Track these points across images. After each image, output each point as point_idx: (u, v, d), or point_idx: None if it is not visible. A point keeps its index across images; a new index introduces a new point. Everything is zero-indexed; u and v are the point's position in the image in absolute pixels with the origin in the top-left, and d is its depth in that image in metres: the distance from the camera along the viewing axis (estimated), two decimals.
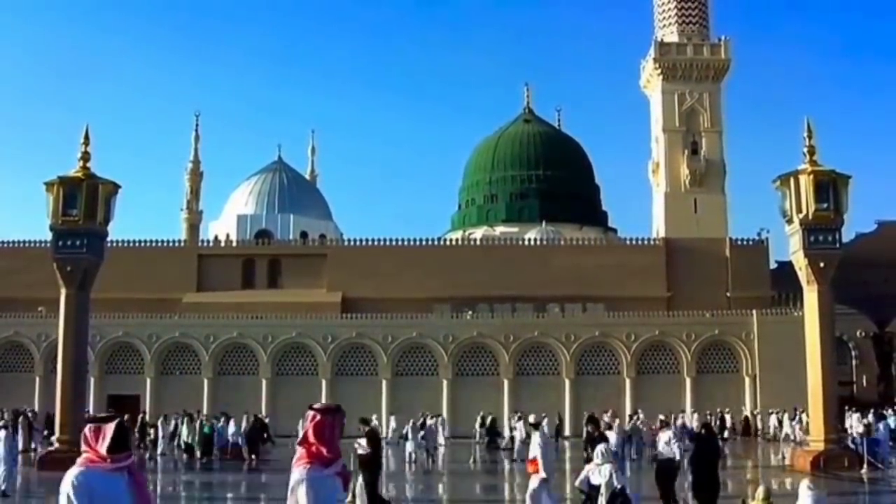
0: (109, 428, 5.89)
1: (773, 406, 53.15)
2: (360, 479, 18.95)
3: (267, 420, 44.40)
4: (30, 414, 42.73)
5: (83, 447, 5.95)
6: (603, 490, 15.82)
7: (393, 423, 49.63)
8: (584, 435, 21.63)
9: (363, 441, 19.25)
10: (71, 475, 5.80)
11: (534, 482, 17.26)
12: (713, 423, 46.78)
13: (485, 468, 36.37)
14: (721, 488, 19.52)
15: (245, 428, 38.12)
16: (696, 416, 49.54)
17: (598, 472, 16.11)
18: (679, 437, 22.83)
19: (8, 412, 43.76)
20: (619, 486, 15.70)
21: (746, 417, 55.36)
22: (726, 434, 49.75)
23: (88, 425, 5.97)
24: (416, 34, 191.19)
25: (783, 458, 38.39)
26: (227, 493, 28.90)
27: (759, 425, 54.92)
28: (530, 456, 17.88)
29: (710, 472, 18.69)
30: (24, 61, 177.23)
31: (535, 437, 18.16)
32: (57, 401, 30.90)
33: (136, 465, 6.09)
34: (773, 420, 52.35)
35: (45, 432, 42.30)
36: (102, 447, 5.84)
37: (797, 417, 50.14)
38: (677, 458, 20.43)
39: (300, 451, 6.36)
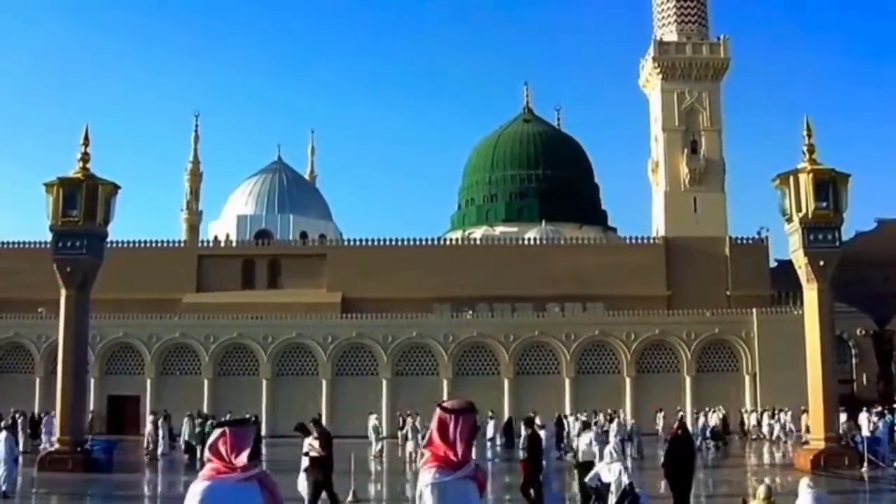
0: (248, 435, 5.36)
1: (770, 404, 53.05)
2: (306, 479, 18.76)
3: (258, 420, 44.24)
4: (19, 418, 42.75)
5: (208, 455, 5.41)
6: (613, 488, 15.98)
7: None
8: (522, 438, 20.84)
9: (315, 442, 19.11)
10: (197, 491, 5.25)
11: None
12: (708, 423, 47.04)
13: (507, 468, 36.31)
14: (692, 487, 18.90)
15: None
16: (715, 415, 49.38)
17: (608, 471, 16.25)
18: (600, 438, 22.48)
19: (7, 414, 43.82)
20: (627, 485, 15.79)
21: (724, 417, 53.88)
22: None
23: (220, 431, 5.40)
24: (416, 34, 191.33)
25: (764, 456, 38.57)
26: None
27: (746, 424, 54.40)
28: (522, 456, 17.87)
29: (685, 473, 18.10)
30: (23, 61, 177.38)
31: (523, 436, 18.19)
32: (57, 402, 30.90)
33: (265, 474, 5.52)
34: (752, 419, 52.02)
35: (29, 431, 42.43)
36: (241, 457, 5.28)
37: (776, 416, 50.25)
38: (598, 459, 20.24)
39: (427, 453, 5.81)
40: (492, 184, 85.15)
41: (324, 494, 18.90)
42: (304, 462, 19.19)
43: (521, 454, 16.53)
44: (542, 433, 18.83)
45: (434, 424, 5.72)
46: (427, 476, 5.63)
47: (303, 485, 18.94)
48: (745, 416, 54.40)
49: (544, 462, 19.06)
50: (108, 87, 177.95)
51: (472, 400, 5.92)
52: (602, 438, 25.05)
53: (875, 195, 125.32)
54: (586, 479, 17.94)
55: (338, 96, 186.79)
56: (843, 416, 39.92)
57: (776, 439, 48.61)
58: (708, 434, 44.86)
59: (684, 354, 58.56)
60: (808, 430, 45.79)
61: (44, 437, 40.03)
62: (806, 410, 47.75)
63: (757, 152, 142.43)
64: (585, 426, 22.81)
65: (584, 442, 20.79)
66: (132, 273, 62.22)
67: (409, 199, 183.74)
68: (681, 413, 45.92)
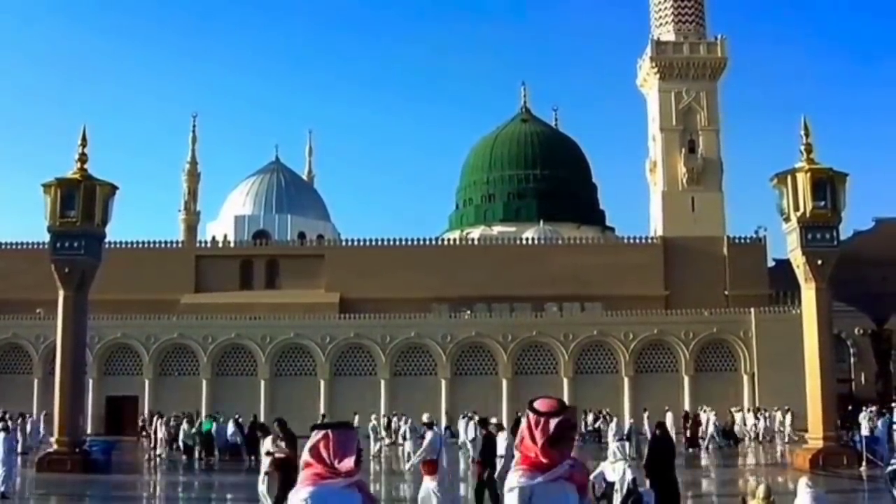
0: (352, 439, 5.13)
1: (769, 404, 53.02)
2: (267, 481, 18.41)
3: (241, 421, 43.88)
4: (18, 419, 42.85)
5: (308, 458, 5.12)
6: (618, 487, 16.03)
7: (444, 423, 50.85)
8: (477, 439, 19.88)
9: (282, 443, 18.88)
10: (303, 496, 4.99)
11: (428, 484, 16.29)
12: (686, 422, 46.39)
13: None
14: (680, 489, 18.44)
15: (233, 430, 38.02)
16: (749, 415, 48.96)
17: (613, 470, 16.31)
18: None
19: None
20: (630, 482, 15.83)
21: (697, 415, 52.63)
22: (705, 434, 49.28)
23: (321, 433, 5.14)
24: (413, 34, 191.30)
25: (760, 456, 38.62)
26: (227, 494, 28.94)
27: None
28: (428, 457, 17.35)
29: (666, 475, 17.69)
30: (21, 62, 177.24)
31: (428, 437, 17.87)
32: (55, 402, 30.88)
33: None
34: (738, 418, 51.10)
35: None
36: (346, 461, 5.04)
37: (763, 416, 50.29)
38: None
39: (516, 454, 5.48)
40: (490, 184, 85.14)
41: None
42: (265, 464, 18.75)
43: (476, 455, 16.46)
44: (502, 434, 18.65)
45: (524, 425, 5.44)
46: (513, 479, 5.36)
47: (263, 488, 18.49)
48: (733, 415, 53.67)
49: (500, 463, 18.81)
50: (106, 87, 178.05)
51: (563, 399, 5.63)
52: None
53: (873, 194, 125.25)
54: (591, 477, 17.95)
55: (335, 96, 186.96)
56: (862, 415, 40.12)
57: (763, 439, 48.57)
58: (718, 434, 44.68)
59: (682, 354, 58.60)
60: (792, 429, 46.19)
61: (19, 437, 40.07)
62: (790, 410, 48.40)
63: (755, 152, 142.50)
64: (499, 428, 21.50)
65: (502, 443, 19.83)
66: (130, 274, 62.19)
67: (406, 200, 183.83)
68: (668, 412, 46.09)
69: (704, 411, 47.30)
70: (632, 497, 15.77)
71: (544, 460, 5.27)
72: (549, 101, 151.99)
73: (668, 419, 43.35)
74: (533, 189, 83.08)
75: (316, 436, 5.11)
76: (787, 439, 46.31)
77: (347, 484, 5.05)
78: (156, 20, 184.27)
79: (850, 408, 46.20)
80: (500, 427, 20.18)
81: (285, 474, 18.27)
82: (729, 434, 46.00)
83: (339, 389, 57.46)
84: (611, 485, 16.57)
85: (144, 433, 50.32)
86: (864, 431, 35.56)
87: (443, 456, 17.60)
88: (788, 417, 48.26)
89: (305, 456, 5.13)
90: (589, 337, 59.09)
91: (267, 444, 19.03)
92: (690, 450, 41.09)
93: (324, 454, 5.06)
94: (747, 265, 67.36)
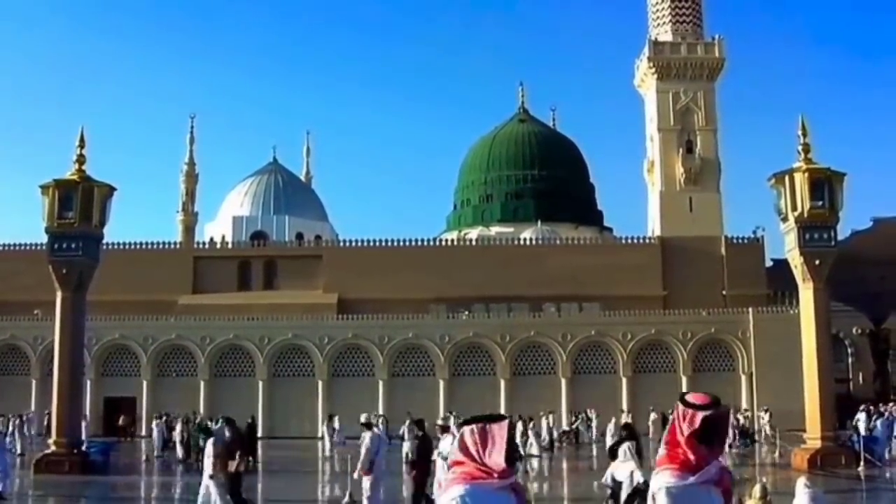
0: (500, 432, 4.67)
1: (767, 403, 52.96)
2: (213, 481, 18.19)
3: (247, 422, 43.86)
4: (16, 420, 42.89)
5: (458, 456, 4.74)
6: (625, 486, 16.14)
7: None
8: (411, 441, 18.74)
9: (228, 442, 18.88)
10: (453, 496, 4.59)
11: (363, 484, 17.31)
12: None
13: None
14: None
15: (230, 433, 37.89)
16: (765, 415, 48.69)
17: (621, 470, 16.47)
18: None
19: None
20: (639, 484, 15.94)
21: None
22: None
23: (469, 427, 4.74)
24: (411, 34, 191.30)
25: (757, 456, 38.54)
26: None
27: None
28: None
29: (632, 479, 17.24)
30: (19, 63, 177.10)
31: (365, 438, 17.89)
32: (53, 404, 30.86)
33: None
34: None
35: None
36: (497, 458, 4.61)
37: (740, 416, 50.43)
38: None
39: (661, 451, 5.15)
40: (487, 184, 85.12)
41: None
42: (208, 466, 18.46)
43: (410, 456, 16.45)
44: (447, 437, 18.45)
45: (672, 418, 5.11)
46: (661, 479, 5.04)
47: (206, 491, 18.23)
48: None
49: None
50: (104, 88, 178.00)
51: (716, 394, 5.14)
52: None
53: (871, 194, 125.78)
54: (603, 481, 18.07)
55: (333, 97, 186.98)
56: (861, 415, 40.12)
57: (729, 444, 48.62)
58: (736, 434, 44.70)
59: (680, 354, 58.62)
60: (770, 427, 46.36)
61: (17, 438, 40.13)
62: (768, 410, 48.69)
63: (752, 152, 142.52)
64: (443, 429, 20.27)
65: (445, 444, 18.76)
66: (128, 274, 62.15)
67: (404, 200, 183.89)
68: (628, 413, 46.11)
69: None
70: (637, 497, 15.78)
71: (691, 457, 4.95)
72: (546, 102, 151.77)
73: (650, 418, 43.34)
74: (531, 189, 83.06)
75: (466, 430, 4.74)
76: (765, 437, 46.41)
77: (503, 486, 4.63)
78: (154, 21, 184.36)
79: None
80: (444, 429, 19.92)
81: (233, 476, 18.14)
82: (745, 434, 45.95)
83: (337, 390, 57.41)
84: (619, 484, 16.81)
85: (128, 434, 50.73)
86: (863, 431, 35.57)
87: (381, 457, 17.75)
88: (766, 416, 48.41)
89: (456, 454, 4.75)
90: (587, 337, 59.09)
91: (209, 448, 18.67)
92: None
93: (471, 449, 4.66)
94: (745, 265, 67.38)
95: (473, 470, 4.63)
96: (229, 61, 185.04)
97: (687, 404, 5.00)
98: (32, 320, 56.42)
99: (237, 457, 18.45)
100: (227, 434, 19.55)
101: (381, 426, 30.65)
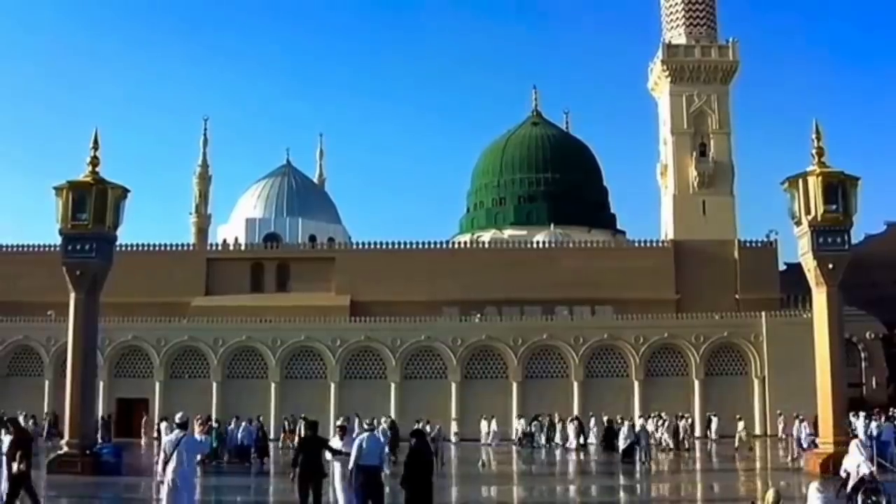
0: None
1: (780, 407, 52.73)
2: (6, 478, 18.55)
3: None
4: (30, 420, 43.13)
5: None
6: (852, 477, 18.89)
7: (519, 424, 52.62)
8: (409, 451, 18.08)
9: (6, 438, 18.86)
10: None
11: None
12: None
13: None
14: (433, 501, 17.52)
15: (242, 433, 38.08)
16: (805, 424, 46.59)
17: (850, 462, 19.22)
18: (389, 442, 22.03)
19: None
20: (864, 475, 18.67)
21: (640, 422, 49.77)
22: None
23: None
24: (425, 39, 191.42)
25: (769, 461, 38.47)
26: (237, 497, 29.02)
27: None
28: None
29: (423, 487, 16.96)
30: (33, 67, 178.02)
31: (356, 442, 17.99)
32: (66, 405, 30.99)
33: None
34: (682, 425, 47.81)
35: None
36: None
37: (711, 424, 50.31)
38: (385, 467, 20.69)
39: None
40: (500, 187, 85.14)
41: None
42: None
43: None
44: (335, 440, 18.74)
45: None
46: None
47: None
48: (679, 421, 47.98)
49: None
50: (118, 91, 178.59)
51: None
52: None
53: (885, 198, 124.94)
54: (840, 472, 20.26)
55: (346, 100, 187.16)
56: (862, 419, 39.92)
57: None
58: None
59: (693, 358, 58.47)
60: (747, 437, 46.36)
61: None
62: (740, 417, 48.56)
63: (766, 155, 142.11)
64: (370, 430, 19.82)
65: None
66: (141, 276, 62.40)
67: (417, 203, 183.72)
68: (651, 418, 45.86)
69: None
70: (864, 486, 18.49)
71: None
72: (560, 105, 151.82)
73: (649, 424, 42.95)
74: (544, 192, 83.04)
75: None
76: (736, 444, 46.06)
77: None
78: (168, 25, 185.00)
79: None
80: (342, 429, 19.84)
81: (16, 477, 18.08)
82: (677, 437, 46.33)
83: (349, 392, 57.46)
84: (849, 475, 19.23)
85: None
86: (861, 436, 35.37)
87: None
88: (741, 424, 48.19)
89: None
90: (599, 340, 59.00)
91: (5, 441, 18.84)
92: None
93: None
94: (758, 269, 67.20)
95: None
96: (243, 64, 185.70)
97: None
98: (46, 321, 56.68)
99: (18, 457, 18.28)
100: (8, 435, 19.32)
101: (363, 426, 30.72)
